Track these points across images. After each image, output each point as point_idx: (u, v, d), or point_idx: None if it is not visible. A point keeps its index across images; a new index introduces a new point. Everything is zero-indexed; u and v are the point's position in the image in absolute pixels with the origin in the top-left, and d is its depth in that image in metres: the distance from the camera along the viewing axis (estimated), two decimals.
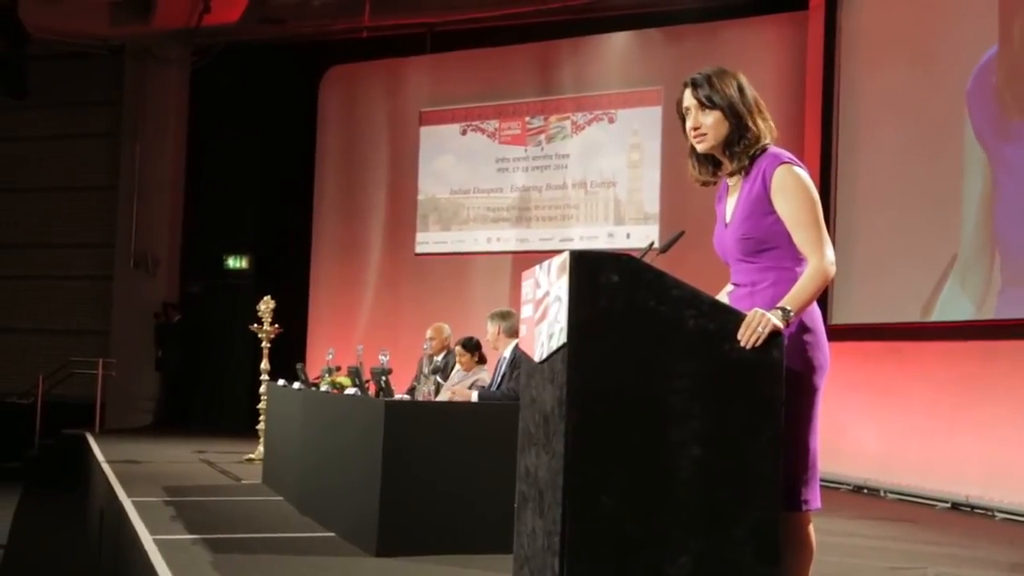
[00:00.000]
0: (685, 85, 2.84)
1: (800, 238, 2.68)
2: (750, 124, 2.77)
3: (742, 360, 2.55)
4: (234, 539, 5.29)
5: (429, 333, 7.67)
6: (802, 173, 2.73)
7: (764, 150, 2.78)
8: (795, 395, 2.63)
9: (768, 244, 2.74)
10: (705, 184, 2.94)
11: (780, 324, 2.55)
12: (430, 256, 12.48)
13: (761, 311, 2.56)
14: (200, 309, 14.25)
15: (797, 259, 2.71)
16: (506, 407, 5.16)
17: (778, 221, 2.72)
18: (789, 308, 2.59)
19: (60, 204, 14.94)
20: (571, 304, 2.53)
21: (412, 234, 12.62)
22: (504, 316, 6.64)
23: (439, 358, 7.56)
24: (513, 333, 6.40)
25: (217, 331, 13.79)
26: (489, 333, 6.72)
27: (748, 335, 2.54)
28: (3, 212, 15.19)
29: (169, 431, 12.53)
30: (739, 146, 2.77)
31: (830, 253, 2.66)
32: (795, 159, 2.77)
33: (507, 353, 6.56)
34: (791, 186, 2.70)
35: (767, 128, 2.79)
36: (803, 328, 2.71)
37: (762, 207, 2.74)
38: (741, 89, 2.79)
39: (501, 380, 6.43)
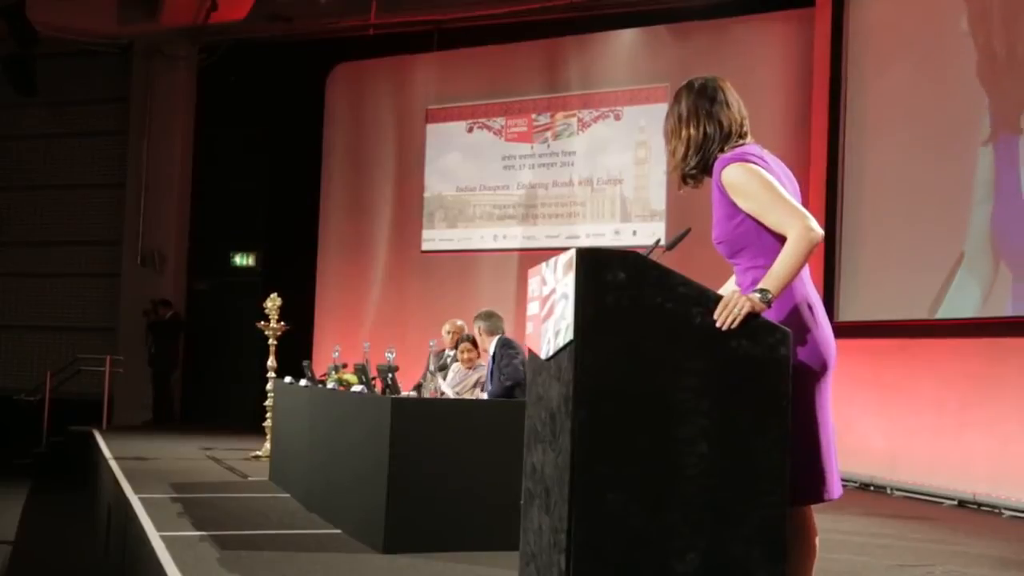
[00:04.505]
0: None
1: (772, 221, 2.69)
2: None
3: (749, 357, 2.55)
4: (241, 536, 5.31)
5: (448, 327, 7.66)
6: (745, 165, 2.73)
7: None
8: (800, 390, 2.64)
9: (738, 245, 2.78)
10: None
11: (761, 305, 2.56)
12: (436, 254, 12.48)
13: (740, 293, 2.59)
14: (207, 306, 14.26)
15: (769, 254, 2.69)
16: (512, 404, 5.18)
17: (742, 223, 2.74)
18: (767, 288, 2.59)
19: (68, 202, 14.96)
20: (577, 301, 2.53)
21: (418, 231, 12.62)
22: (487, 316, 7.01)
23: (450, 354, 7.57)
24: (492, 332, 6.83)
25: (224, 328, 13.81)
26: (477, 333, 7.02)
27: (724, 316, 2.55)
28: (11, 209, 15.22)
29: (176, 428, 12.54)
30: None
31: (807, 221, 2.63)
32: (737, 154, 2.77)
33: (490, 348, 6.77)
34: (740, 182, 2.73)
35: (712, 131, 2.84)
36: (806, 323, 2.72)
37: (724, 211, 2.78)
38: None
39: (490, 376, 6.65)
